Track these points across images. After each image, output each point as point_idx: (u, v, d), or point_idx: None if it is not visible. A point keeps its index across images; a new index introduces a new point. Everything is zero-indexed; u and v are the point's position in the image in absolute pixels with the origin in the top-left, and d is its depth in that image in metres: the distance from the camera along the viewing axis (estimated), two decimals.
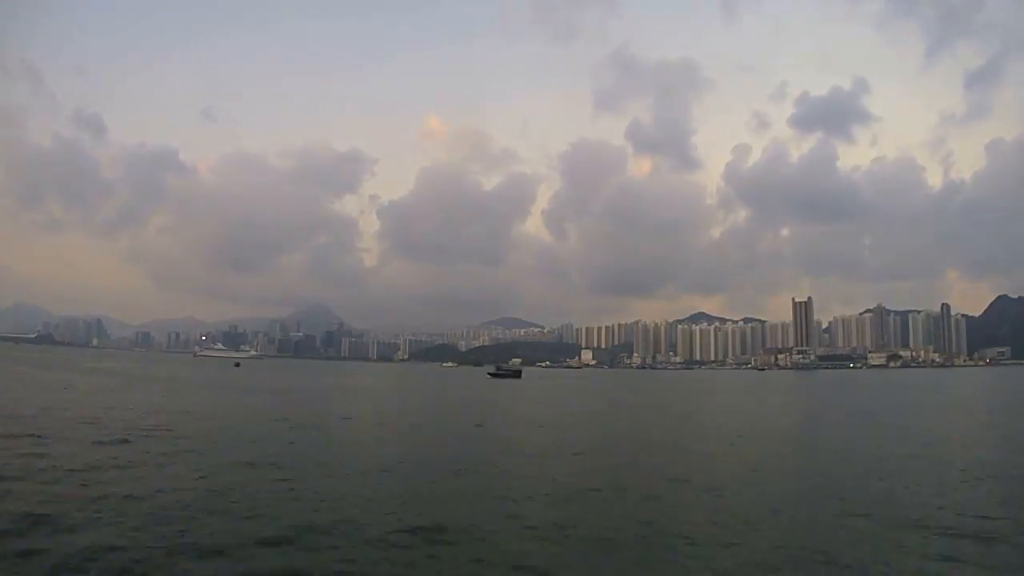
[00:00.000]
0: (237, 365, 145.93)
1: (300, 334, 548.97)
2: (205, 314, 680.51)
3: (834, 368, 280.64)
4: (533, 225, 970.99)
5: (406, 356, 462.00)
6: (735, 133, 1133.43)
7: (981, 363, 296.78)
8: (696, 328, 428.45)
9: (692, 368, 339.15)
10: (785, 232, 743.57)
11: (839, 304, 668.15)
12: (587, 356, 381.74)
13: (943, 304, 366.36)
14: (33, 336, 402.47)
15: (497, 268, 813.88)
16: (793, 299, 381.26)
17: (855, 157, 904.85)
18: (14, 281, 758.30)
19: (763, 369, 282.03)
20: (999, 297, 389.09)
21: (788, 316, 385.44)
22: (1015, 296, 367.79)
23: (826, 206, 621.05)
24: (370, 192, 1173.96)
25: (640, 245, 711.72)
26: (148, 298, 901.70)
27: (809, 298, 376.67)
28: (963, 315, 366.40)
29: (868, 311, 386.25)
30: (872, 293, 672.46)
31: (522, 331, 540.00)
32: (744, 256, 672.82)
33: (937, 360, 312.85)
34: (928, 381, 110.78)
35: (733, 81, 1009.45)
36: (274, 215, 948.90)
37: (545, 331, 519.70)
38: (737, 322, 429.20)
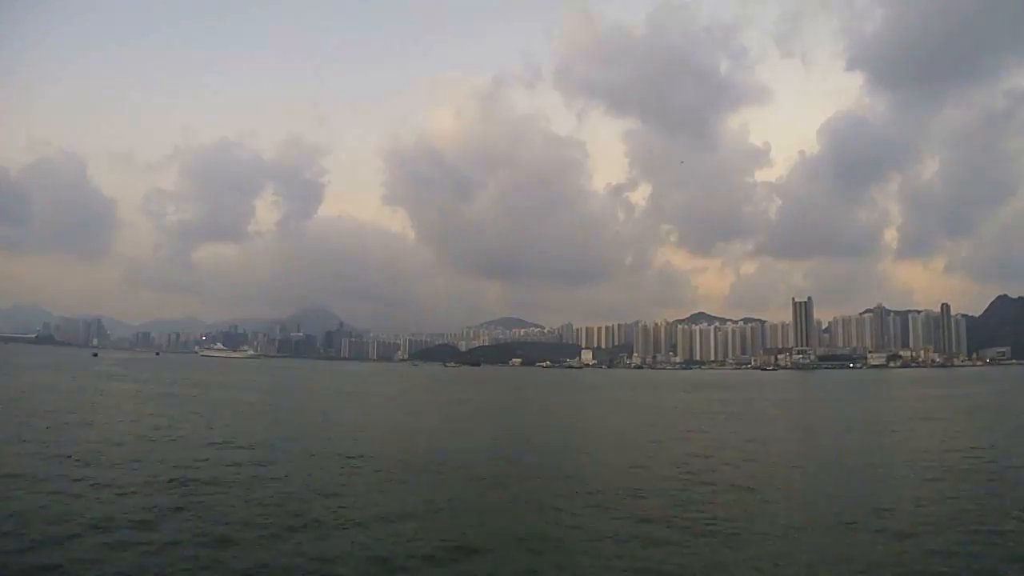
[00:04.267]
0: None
1: (300, 334, 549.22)
2: (205, 314, 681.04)
3: (834, 368, 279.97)
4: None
5: (406, 356, 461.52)
6: None
7: (980, 363, 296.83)
8: (696, 328, 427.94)
9: (691, 368, 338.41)
10: None
11: None
12: (587, 356, 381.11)
13: (943, 304, 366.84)
14: (33, 336, 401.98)
15: None
16: (793, 299, 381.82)
17: None
18: (14, 281, 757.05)
19: (766, 369, 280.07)
20: (999, 297, 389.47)
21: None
22: (1015, 296, 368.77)
23: None
24: None
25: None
26: (148, 298, 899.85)
27: (809, 298, 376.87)
28: (963, 315, 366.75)
29: (868, 311, 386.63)
30: None
31: (522, 331, 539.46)
32: None
33: (937, 360, 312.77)
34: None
35: None
36: None
37: (545, 331, 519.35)
38: (737, 322, 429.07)
